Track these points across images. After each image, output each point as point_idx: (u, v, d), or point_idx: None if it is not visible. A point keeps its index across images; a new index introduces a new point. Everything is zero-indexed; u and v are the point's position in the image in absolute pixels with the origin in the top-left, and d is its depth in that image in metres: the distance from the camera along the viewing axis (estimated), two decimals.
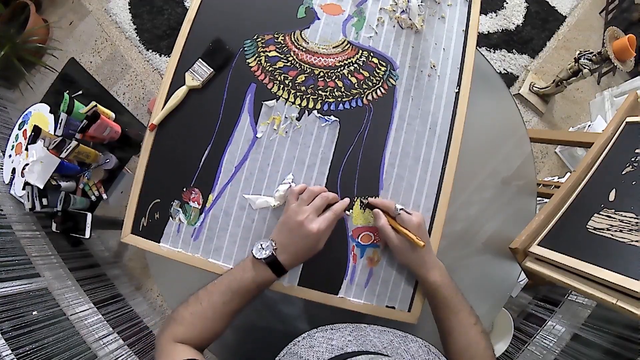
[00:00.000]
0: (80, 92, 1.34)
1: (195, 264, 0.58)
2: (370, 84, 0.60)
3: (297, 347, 0.39)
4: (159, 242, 0.59)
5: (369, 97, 0.60)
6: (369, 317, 0.57)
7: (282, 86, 0.60)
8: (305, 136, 0.59)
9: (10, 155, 1.33)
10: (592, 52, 1.42)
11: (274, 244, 0.51)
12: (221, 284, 0.50)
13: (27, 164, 1.12)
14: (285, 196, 0.56)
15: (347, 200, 0.56)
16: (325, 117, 0.59)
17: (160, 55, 1.84)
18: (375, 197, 0.57)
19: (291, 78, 0.60)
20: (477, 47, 0.63)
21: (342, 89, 0.60)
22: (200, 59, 0.61)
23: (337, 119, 0.59)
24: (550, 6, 1.84)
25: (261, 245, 0.50)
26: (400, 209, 0.53)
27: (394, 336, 0.40)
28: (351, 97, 0.60)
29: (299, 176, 0.59)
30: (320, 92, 0.60)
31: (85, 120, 1.13)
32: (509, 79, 1.73)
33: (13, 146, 1.33)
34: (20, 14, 1.90)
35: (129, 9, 1.91)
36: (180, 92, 0.60)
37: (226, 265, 0.58)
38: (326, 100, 0.60)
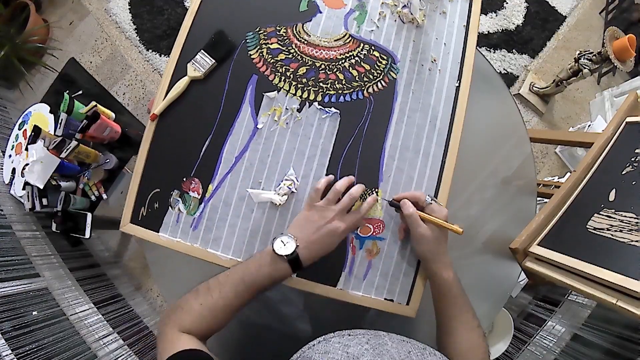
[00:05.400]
0: (80, 92, 1.34)
1: (194, 253, 0.58)
2: (371, 77, 0.61)
3: (312, 351, 0.38)
4: (158, 232, 0.60)
5: (370, 90, 0.60)
6: (372, 313, 0.56)
7: (283, 78, 0.60)
8: (305, 128, 0.59)
9: (10, 155, 1.33)
10: (592, 52, 1.42)
11: (296, 240, 0.50)
12: (234, 275, 0.49)
13: (27, 164, 1.12)
14: (289, 193, 0.56)
15: (372, 199, 0.56)
16: (326, 109, 0.59)
17: (160, 55, 1.84)
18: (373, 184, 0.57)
19: (292, 70, 0.61)
20: (477, 48, 0.63)
21: (343, 82, 0.60)
22: (202, 50, 0.61)
23: (337, 111, 0.59)
24: (550, 6, 1.84)
25: (282, 241, 0.50)
26: (432, 200, 0.54)
27: (412, 347, 0.39)
28: (352, 90, 0.60)
29: (299, 167, 0.59)
30: (321, 84, 0.60)
31: (85, 120, 1.13)
32: (509, 79, 1.73)
33: (13, 146, 1.33)
34: (20, 14, 1.90)
35: (129, 9, 1.90)
36: (182, 83, 0.60)
37: (225, 255, 0.58)
38: (327, 92, 0.60)
